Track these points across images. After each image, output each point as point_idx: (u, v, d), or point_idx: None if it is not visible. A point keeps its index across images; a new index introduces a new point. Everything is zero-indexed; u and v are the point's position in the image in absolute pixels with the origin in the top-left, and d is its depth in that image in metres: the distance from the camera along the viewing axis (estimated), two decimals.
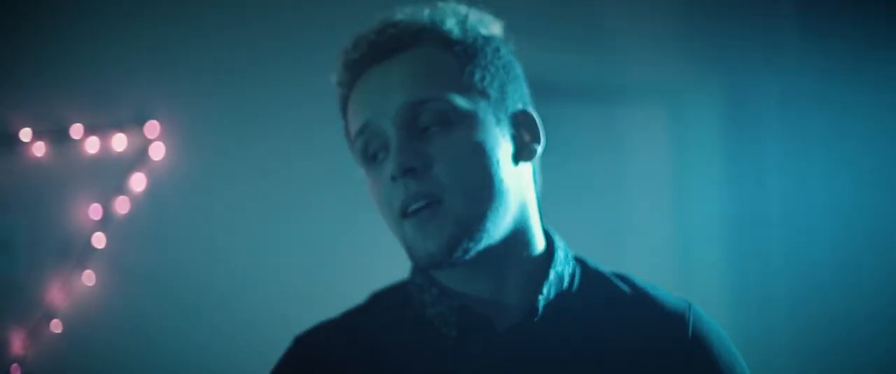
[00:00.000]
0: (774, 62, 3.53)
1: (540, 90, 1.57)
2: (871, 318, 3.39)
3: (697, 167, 3.60)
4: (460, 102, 1.37)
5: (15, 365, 3.18)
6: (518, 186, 1.39)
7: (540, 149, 1.43)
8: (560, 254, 1.44)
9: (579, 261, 1.48)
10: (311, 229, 3.41)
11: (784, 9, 3.55)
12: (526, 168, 1.43)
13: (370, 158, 1.42)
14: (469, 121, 1.36)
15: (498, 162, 1.36)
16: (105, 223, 3.29)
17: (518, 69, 1.47)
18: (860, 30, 3.42)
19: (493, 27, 1.47)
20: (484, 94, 1.39)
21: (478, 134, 1.36)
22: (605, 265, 1.51)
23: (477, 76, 1.39)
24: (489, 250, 1.37)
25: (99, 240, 3.28)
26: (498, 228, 1.36)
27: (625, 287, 1.44)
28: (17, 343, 3.19)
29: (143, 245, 3.32)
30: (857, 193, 3.43)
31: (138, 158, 3.32)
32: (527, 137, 1.42)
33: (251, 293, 3.33)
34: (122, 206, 3.30)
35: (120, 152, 3.31)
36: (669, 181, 3.60)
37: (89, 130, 3.29)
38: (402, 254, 1.43)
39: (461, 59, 1.39)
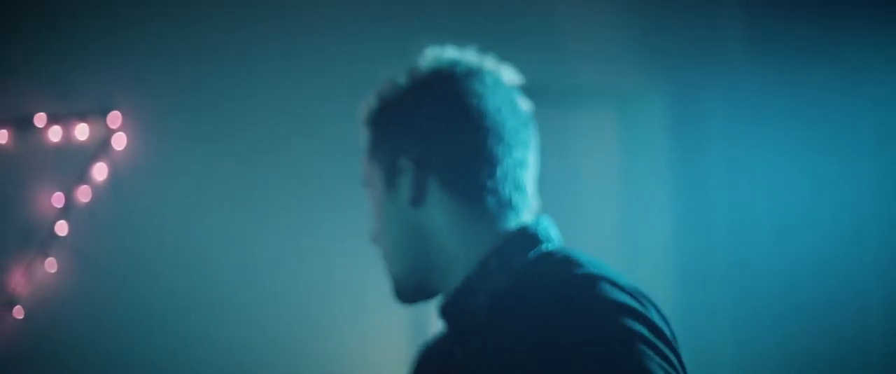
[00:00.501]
0: (721, 67, 3.66)
1: None
2: (810, 313, 3.52)
3: (644, 169, 3.74)
4: (371, 177, 1.56)
5: None
6: (418, 231, 1.51)
7: (408, 197, 1.50)
8: (493, 261, 1.51)
9: (535, 258, 1.52)
10: (272, 218, 3.50)
11: (731, 16, 3.69)
12: (433, 206, 1.50)
13: None
14: (376, 192, 1.55)
15: (391, 222, 1.52)
16: (67, 212, 3.32)
17: (417, 116, 1.53)
18: (804, 38, 3.61)
19: (438, 73, 1.53)
20: (379, 161, 1.54)
21: (379, 202, 1.54)
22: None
23: (372, 147, 1.56)
24: (433, 280, 1.53)
25: (61, 228, 3.32)
26: (417, 271, 1.52)
27: (546, 277, 1.49)
28: None
29: (104, 234, 3.36)
30: (798, 194, 3.59)
31: (101, 147, 3.35)
32: (410, 187, 1.50)
33: (211, 282, 3.43)
34: (84, 195, 3.34)
35: (83, 142, 3.33)
36: (617, 183, 3.77)
37: (52, 120, 3.30)
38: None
39: (370, 133, 1.58)
